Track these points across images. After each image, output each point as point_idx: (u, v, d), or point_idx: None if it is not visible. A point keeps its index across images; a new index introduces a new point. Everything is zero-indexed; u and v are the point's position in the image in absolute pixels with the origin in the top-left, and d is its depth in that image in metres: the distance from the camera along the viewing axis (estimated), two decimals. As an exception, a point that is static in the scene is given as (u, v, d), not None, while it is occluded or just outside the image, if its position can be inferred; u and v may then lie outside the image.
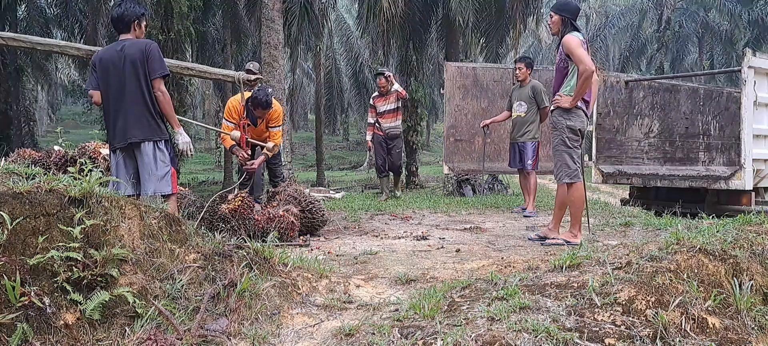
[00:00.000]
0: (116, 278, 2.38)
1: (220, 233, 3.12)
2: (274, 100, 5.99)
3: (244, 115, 5.73)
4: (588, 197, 5.49)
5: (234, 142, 5.51)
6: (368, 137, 8.65)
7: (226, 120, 5.89)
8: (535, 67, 7.64)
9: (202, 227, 3.70)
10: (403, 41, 16.38)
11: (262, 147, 5.84)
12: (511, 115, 7.20)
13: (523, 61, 7.16)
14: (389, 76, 8.48)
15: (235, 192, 5.22)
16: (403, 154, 10.60)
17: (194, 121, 15.20)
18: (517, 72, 7.05)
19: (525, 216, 6.56)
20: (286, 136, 9.95)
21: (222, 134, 6.00)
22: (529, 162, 6.92)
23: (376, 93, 8.62)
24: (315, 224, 5.38)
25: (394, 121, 8.48)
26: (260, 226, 4.75)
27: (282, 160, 6.74)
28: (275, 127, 6.16)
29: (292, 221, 4.87)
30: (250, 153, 5.76)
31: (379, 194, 8.99)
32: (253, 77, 5.05)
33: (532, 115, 6.94)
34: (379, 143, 8.53)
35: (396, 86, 8.43)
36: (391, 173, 8.87)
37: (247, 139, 5.59)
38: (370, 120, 8.64)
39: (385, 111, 8.41)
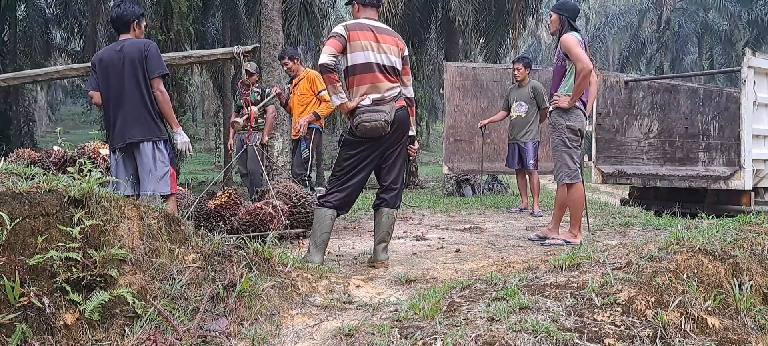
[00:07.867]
0: (116, 279, 2.37)
1: (205, 230, 3.09)
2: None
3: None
4: (588, 196, 5.48)
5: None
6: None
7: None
8: (535, 68, 7.64)
9: (201, 227, 3.69)
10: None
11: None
12: (507, 115, 7.18)
13: (522, 61, 7.12)
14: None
15: (223, 189, 5.21)
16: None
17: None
18: (516, 72, 7.00)
19: (534, 217, 6.53)
20: (286, 136, 9.91)
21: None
22: (532, 161, 6.90)
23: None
24: (309, 218, 5.33)
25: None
26: (242, 221, 4.71)
27: (307, 158, 6.37)
28: (323, 90, 6.11)
29: (270, 213, 4.81)
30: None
31: None
32: (250, 48, 5.12)
33: (532, 115, 6.91)
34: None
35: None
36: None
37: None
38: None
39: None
